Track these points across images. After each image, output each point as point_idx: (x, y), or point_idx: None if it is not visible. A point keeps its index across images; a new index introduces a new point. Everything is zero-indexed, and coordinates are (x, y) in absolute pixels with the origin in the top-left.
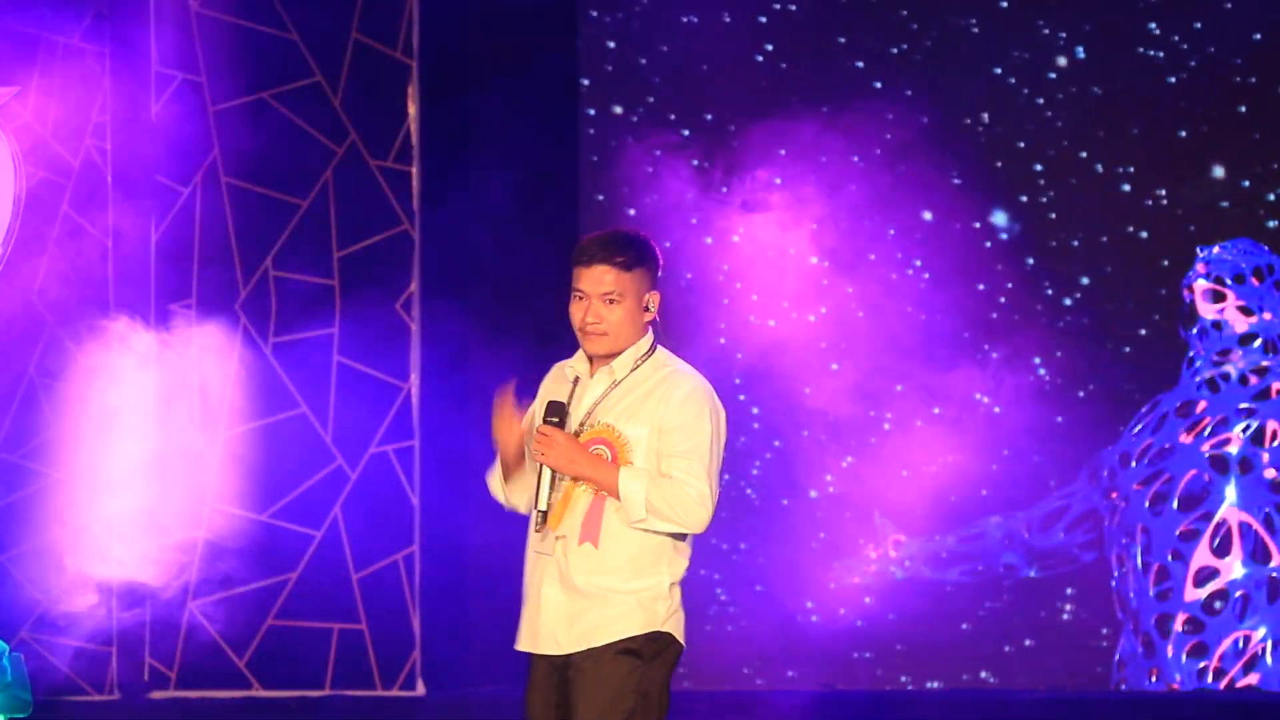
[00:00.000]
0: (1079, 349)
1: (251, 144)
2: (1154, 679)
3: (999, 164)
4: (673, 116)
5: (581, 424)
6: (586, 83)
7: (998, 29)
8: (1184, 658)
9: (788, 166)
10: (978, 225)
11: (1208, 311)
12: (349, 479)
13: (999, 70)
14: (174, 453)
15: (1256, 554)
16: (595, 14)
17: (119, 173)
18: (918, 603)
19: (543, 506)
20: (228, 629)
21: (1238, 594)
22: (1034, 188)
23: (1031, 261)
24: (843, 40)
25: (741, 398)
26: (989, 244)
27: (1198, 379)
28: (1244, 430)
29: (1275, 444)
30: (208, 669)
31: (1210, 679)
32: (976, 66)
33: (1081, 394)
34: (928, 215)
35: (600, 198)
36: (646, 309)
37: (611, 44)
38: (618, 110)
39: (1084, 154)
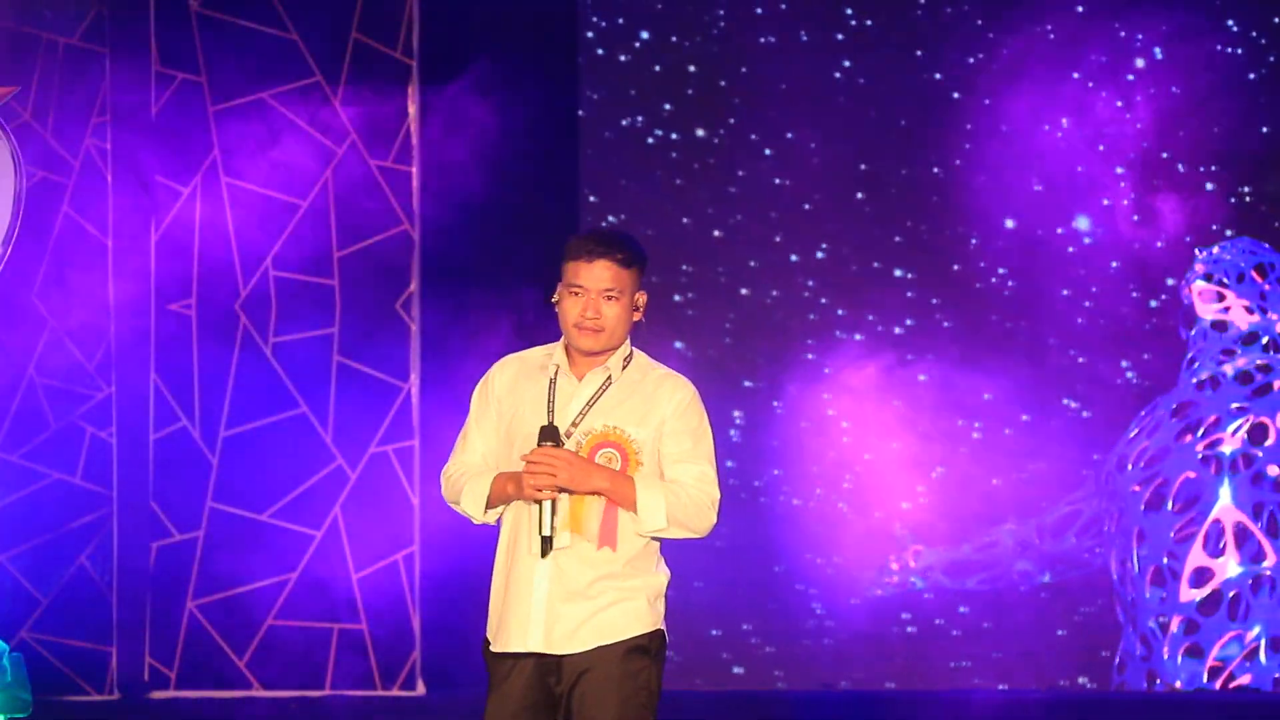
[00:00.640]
0: (1166, 350)
1: (251, 144)
2: (1156, 683)
3: (1080, 168)
4: (700, 126)
5: (574, 423)
6: (596, 97)
7: (1075, 34)
8: (1180, 659)
9: (869, 182)
10: (1060, 231)
11: (1206, 312)
12: (349, 479)
13: (1077, 75)
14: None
15: (1251, 553)
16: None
17: (119, 173)
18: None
19: (546, 532)
20: (228, 629)
21: (1231, 594)
22: (1116, 191)
23: (1116, 265)
24: (920, 54)
25: (831, 412)
26: (1072, 249)
27: (1195, 380)
28: (1235, 431)
29: (1269, 443)
30: (208, 669)
31: (1206, 679)
32: (1055, 72)
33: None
34: (1010, 223)
35: (592, 199)
36: (637, 308)
37: (623, 57)
38: (625, 122)
39: (1165, 154)
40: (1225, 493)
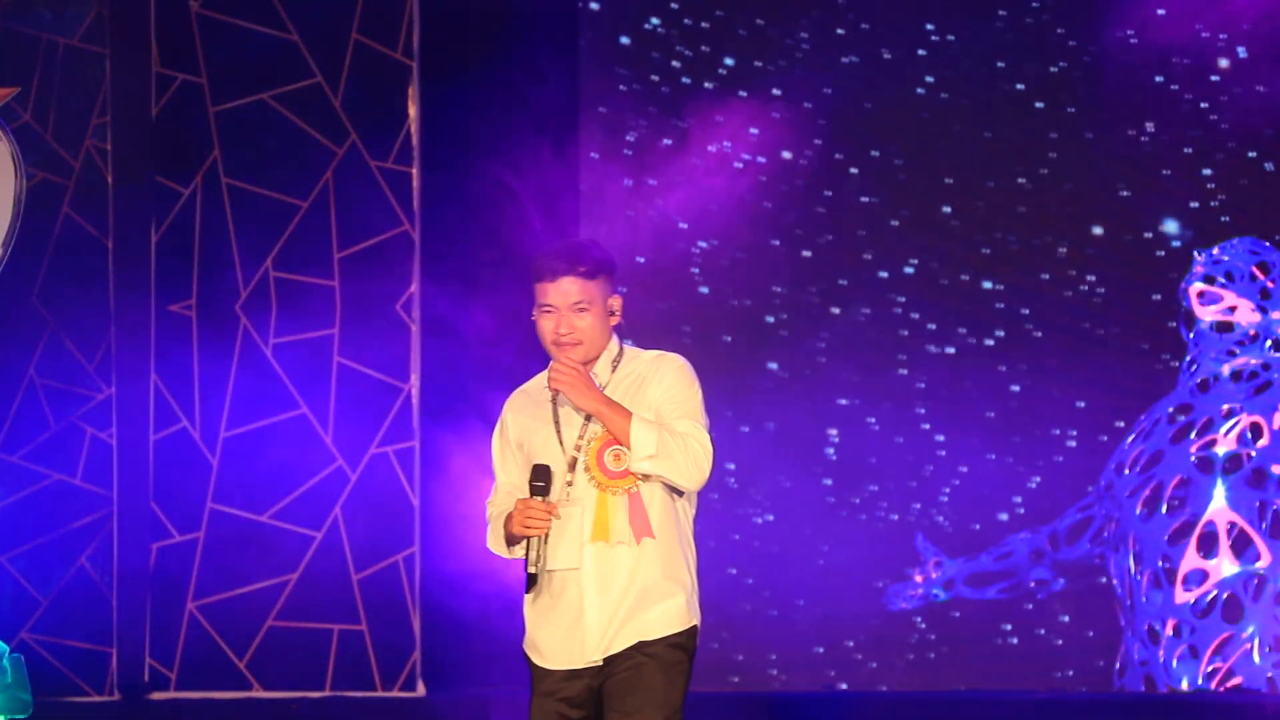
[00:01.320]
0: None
1: (252, 144)
2: (1154, 687)
3: (1166, 171)
4: (755, 132)
5: (580, 435)
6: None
7: (1156, 37)
8: (1175, 662)
9: (955, 195)
10: (1149, 235)
11: (1205, 314)
12: (349, 480)
13: (1160, 78)
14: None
15: (1245, 554)
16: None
17: (119, 173)
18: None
19: (531, 569)
20: (228, 630)
21: (1225, 595)
22: (1204, 193)
23: None
24: (1001, 65)
25: (926, 426)
26: (1161, 253)
27: (1193, 382)
28: (1228, 431)
29: (1263, 443)
30: (208, 670)
31: (1201, 681)
32: (1137, 76)
33: None
34: (1098, 230)
35: (683, 225)
36: (612, 313)
37: (708, 84)
38: (713, 148)
39: (1253, 154)
40: (1219, 494)
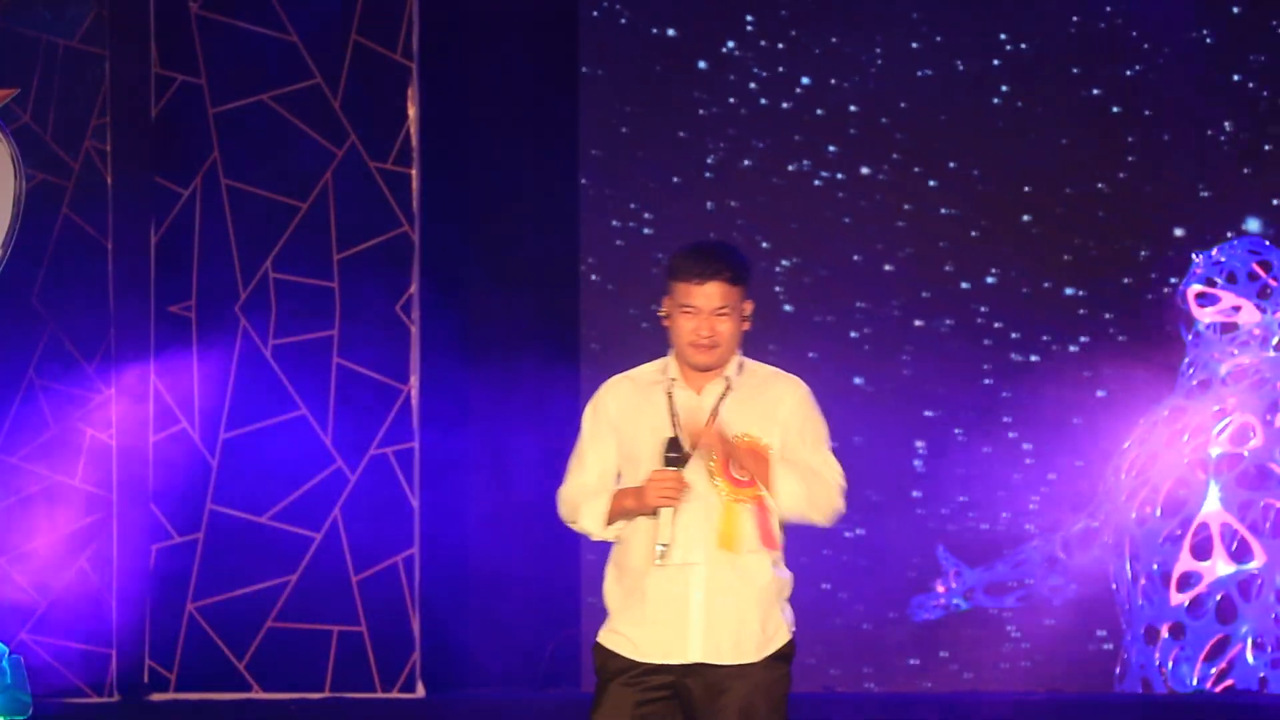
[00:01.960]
0: None
1: (251, 146)
2: (1151, 689)
3: (1246, 170)
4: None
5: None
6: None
7: (1232, 36)
8: (1170, 663)
9: (1033, 204)
10: (1230, 235)
11: (1204, 315)
12: (349, 481)
13: (1237, 77)
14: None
15: (1238, 554)
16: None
17: (119, 174)
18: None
19: (664, 541)
20: (227, 631)
21: (1219, 596)
22: None
23: None
24: (1076, 71)
25: (1012, 435)
26: None
27: (1190, 384)
28: (1220, 432)
29: (1254, 443)
30: (207, 671)
31: (1196, 682)
32: (1213, 76)
33: None
34: (1179, 232)
35: (765, 245)
36: (745, 318)
37: (785, 104)
38: (791, 167)
39: None
40: (1213, 495)
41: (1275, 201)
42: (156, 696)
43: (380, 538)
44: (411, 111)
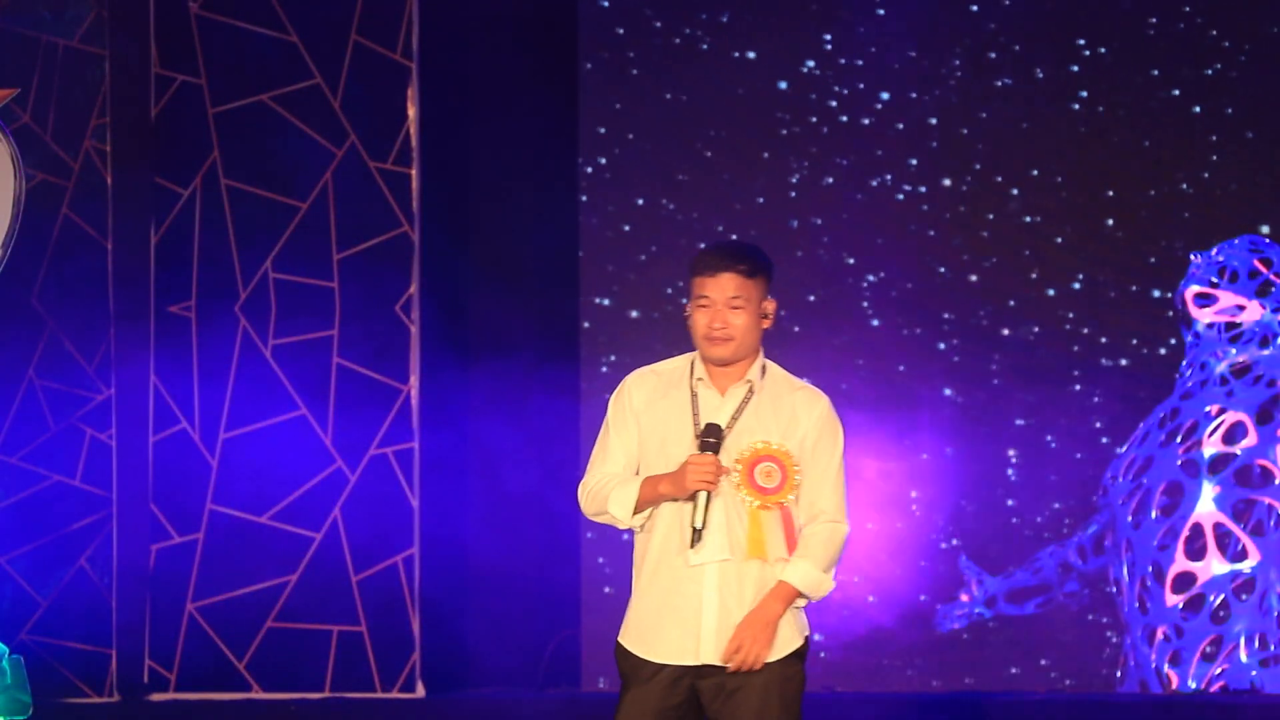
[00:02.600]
0: None
1: (251, 146)
2: (1149, 689)
3: None
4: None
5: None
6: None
7: None
8: (1166, 665)
9: (1117, 207)
10: None
11: (1203, 316)
12: (348, 481)
13: None
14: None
15: (1232, 554)
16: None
17: (119, 174)
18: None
19: (698, 524)
20: (227, 631)
21: (1213, 596)
22: None
23: None
24: (1156, 72)
25: (1105, 440)
26: None
27: (1186, 385)
28: (1213, 432)
29: (1247, 442)
30: (207, 671)
31: (1191, 683)
32: None
33: None
34: (1265, 230)
35: (850, 260)
36: (765, 316)
37: (866, 120)
38: (874, 182)
39: None
40: (1206, 496)
41: None
42: (156, 696)
43: (380, 538)
44: (411, 111)
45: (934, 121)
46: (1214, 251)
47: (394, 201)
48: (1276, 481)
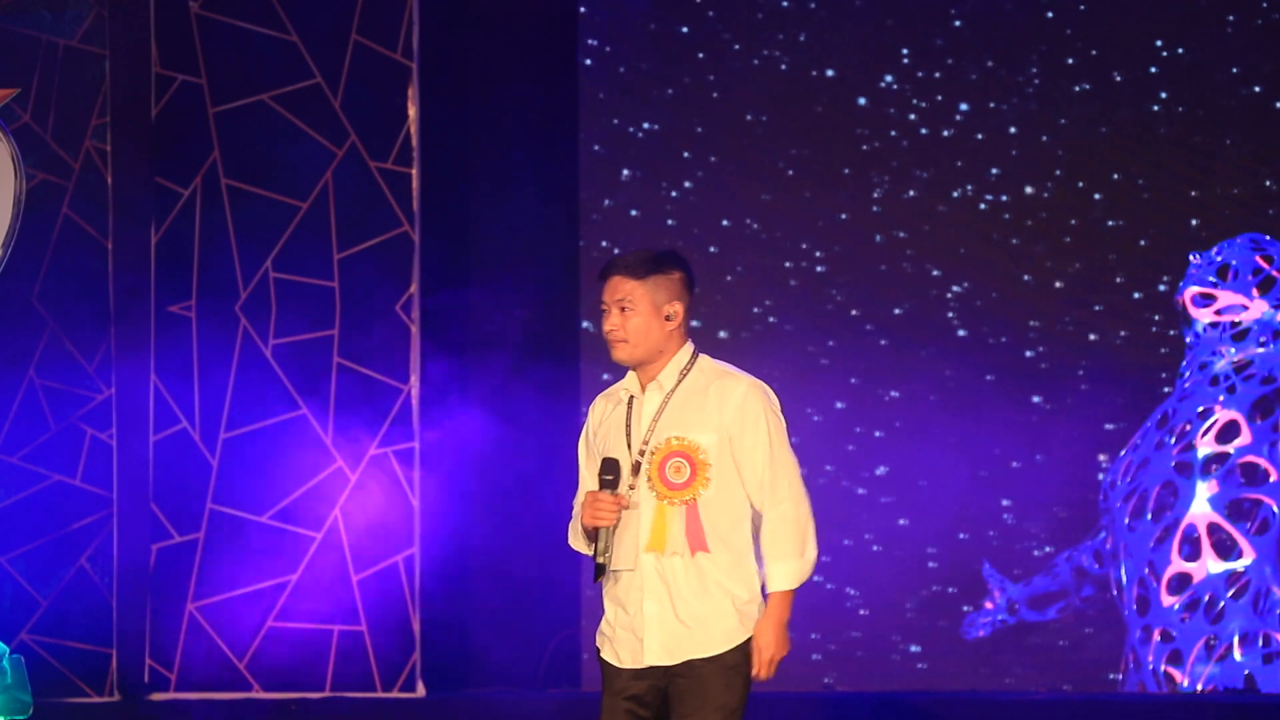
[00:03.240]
0: None
1: (251, 146)
2: (1147, 689)
3: None
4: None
5: (645, 441)
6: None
7: None
8: (1163, 666)
9: (1201, 208)
10: None
11: (1202, 316)
12: (349, 480)
13: None
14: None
15: (1227, 554)
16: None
17: (119, 174)
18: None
19: (600, 559)
20: (228, 631)
21: (1208, 596)
22: None
23: None
24: (1236, 70)
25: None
26: None
27: (1185, 386)
28: (1205, 432)
29: (1239, 441)
30: (208, 671)
31: (1187, 683)
32: None
33: None
34: None
35: (935, 272)
36: (668, 318)
37: (947, 133)
38: (956, 194)
39: None
40: (1200, 496)
41: None
42: (156, 696)
43: (380, 537)
44: (411, 111)
45: (1013, 130)
46: (1213, 251)
47: (394, 201)
48: (1272, 480)
